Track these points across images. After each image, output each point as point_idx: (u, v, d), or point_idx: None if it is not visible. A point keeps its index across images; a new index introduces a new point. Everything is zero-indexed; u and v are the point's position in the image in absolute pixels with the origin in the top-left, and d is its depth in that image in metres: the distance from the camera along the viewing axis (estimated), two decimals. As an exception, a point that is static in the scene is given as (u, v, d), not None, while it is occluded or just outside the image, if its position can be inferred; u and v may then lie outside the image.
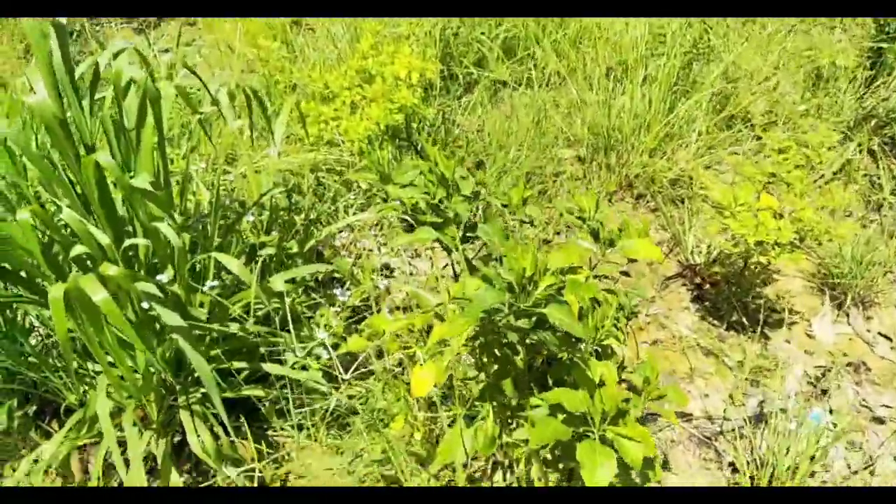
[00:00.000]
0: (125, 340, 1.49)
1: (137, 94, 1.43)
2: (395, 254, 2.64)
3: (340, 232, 2.65)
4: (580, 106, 3.61)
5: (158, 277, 1.39)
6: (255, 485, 1.83)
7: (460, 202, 1.48)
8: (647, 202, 3.22)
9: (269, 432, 1.92)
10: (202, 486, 1.74)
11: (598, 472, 0.97)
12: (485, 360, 1.35)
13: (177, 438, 1.79)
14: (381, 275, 2.60)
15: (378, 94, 2.58)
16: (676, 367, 2.42)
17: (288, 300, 1.69)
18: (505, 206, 1.65)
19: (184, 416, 1.56)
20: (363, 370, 1.76)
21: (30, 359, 1.64)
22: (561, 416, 1.08)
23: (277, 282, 1.70)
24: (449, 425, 1.43)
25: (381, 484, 1.70)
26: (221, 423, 1.65)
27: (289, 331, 1.71)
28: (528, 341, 1.30)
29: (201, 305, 1.70)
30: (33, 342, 1.72)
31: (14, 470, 1.63)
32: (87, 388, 1.64)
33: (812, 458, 1.93)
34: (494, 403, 1.30)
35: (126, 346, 1.53)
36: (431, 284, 2.33)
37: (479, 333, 1.32)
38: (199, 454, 1.59)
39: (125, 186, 1.36)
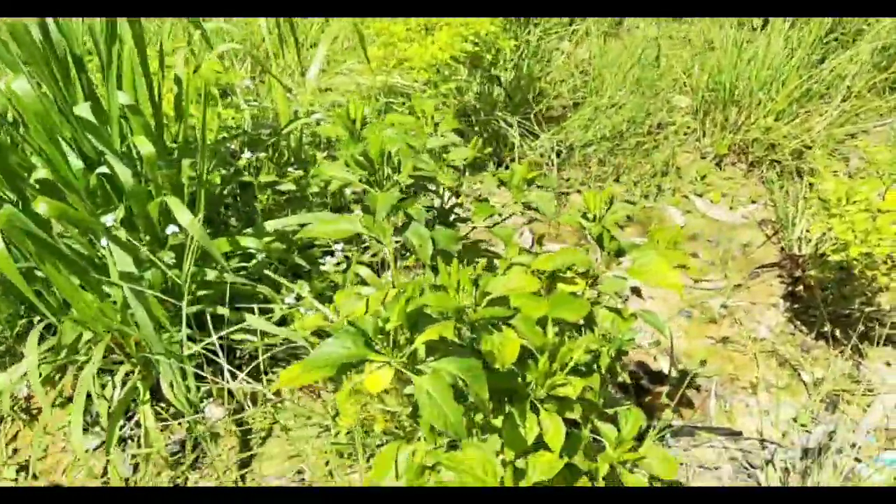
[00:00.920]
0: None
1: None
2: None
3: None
4: (705, 49, 3.11)
5: (104, 218, 1.32)
6: (241, 428, 1.80)
7: (384, 192, 1.17)
8: (762, 172, 2.76)
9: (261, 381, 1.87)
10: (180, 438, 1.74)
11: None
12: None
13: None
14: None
15: (452, 25, 2.31)
16: (741, 373, 2.09)
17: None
18: (502, 183, 1.39)
19: (161, 357, 1.51)
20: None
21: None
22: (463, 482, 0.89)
23: (265, 228, 1.58)
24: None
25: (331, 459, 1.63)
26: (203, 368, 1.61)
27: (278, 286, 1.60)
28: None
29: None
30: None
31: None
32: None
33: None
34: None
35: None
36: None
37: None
38: (170, 398, 1.56)
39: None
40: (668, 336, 2.18)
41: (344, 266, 1.68)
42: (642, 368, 2.09)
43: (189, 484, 1.69)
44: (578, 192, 2.75)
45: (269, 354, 1.82)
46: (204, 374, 1.70)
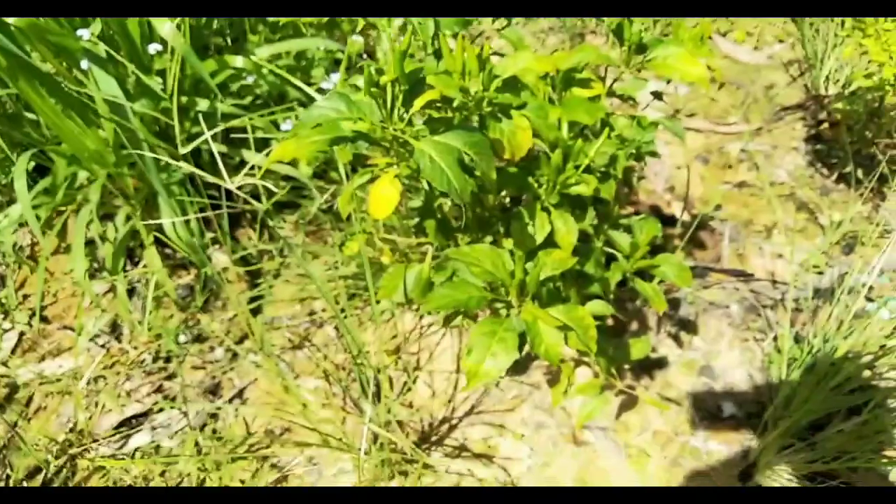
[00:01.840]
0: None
1: None
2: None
3: None
4: None
5: (80, 31, 1.21)
6: (248, 269, 1.79)
7: None
8: (792, 7, 2.57)
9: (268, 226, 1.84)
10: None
11: (484, 365, 0.75)
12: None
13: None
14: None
15: None
16: (756, 217, 2.04)
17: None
18: None
19: (161, 197, 1.46)
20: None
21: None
22: (475, 280, 0.84)
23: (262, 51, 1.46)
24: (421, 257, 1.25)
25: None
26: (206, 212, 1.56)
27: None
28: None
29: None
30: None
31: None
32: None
33: (881, 349, 1.60)
34: (434, 245, 1.08)
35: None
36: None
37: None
38: (174, 239, 1.52)
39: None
40: (685, 163, 2.12)
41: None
42: (655, 212, 2.04)
43: (201, 324, 1.70)
44: (594, 32, 2.58)
45: (273, 200, 1.78)
46: (207, 213, 1.67)
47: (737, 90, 2.39)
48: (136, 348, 1.66)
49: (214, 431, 1.51)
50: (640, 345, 1.25)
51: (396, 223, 1.49)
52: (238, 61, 1.43)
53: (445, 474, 1.44)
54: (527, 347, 0.79)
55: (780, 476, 1.43)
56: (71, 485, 1.41)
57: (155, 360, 1.64)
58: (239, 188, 1.76)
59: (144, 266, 1.70)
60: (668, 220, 2.01)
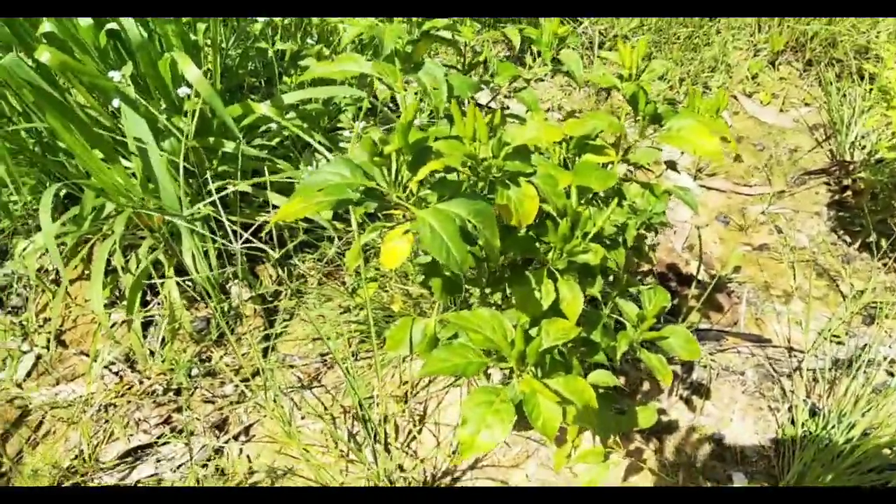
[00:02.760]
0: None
1: None
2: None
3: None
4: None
5: (112, 73, 1.26)
6: (265, 307, 1.81)
7: (393, 24, 1.06)
8: (820, 72, 2.57)
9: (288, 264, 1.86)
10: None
11: (479, 437, 0.75)
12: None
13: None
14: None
15: None
16: (775, 282, 2.02)
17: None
18: (529, 42, 1.27)
19: (184, 231, 1.49)
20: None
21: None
22: (472, 345, 0.85)
23: (285, 98, 1.50)
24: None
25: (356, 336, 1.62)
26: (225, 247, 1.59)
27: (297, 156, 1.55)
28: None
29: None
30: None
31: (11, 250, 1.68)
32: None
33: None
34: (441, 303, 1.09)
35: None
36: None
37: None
38: (193, 273, 1.55)
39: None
40: (698, 225, 2.11)
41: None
42: (673, 271, 2.03)
43: (214, 359, 1.72)
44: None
45: (297, 241, 1.81)
46: (228, 248, 1.70)
47: (760, 151, 2.39)
48: (148, 378, 1.68)
49: (217, 468, 1.52)
50: (646, 413, 1.24)
51: (410, 270, 1.50)
52: (263, 108, 1.48)
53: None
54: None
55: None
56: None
57: (166, 391, 1.66)
58: (260, 228, 1.80)
59: (163, 297, 1.73)
60: (685, 280, 2.00)
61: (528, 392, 0.76)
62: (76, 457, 1.52)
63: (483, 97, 2.31)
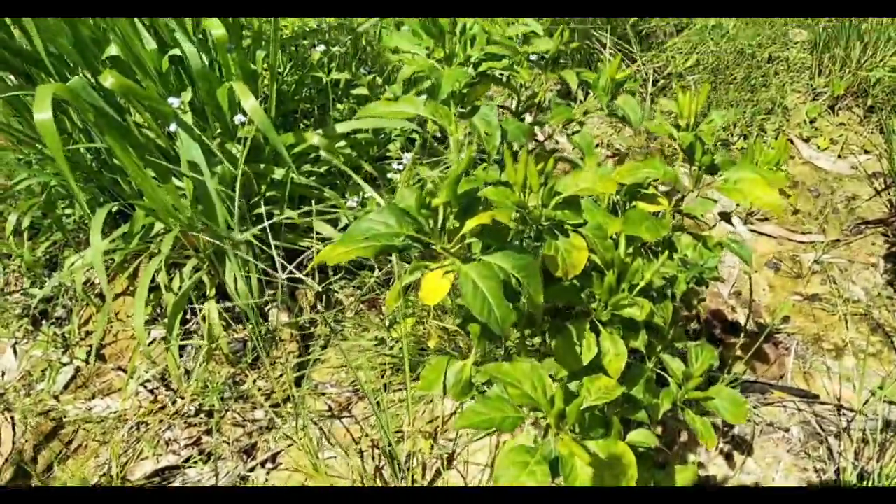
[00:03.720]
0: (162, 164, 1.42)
1: None
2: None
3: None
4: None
5: (171, 100, 1.28)
6: (301, 332, 1.81)
7: (452, 69, 0.99)
8: (882, 119, 2.49)
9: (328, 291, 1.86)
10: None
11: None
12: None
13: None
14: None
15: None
16: (826, 335, 1.93)
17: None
18: (586, 86, 1.24)
19: (228, 254, 1.50)
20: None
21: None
22: (508, 398, 0.81)
23: (337, 128, 1.50)
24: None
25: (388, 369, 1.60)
26: (265, 271, 1.60)
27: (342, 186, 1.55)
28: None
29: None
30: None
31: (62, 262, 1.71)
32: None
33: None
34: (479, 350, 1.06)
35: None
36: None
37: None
38: (231, 293, 1.56)
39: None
40: (750, 273, 2.04)
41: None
42: (718, 318, 1.97)
43: (247, 383, 1.72)
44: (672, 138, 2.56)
45: (338, 276, 1.81)
46: (269, 273, 1.70)
47: (815, 198, 2.31)
48: (182, 398, 1.68)
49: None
50: (685, 473, 1.18)
51: (449, 303, 1.48)
52: (315, 139, 1.48)
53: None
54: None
55: None
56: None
57: (198, 412, 1.66)
58: (301, 252, 1.81)
59: (202, 317, 1.74)
60: (731, 328, 1.93)
61: (566, 454, 0.73)
62: (104, 474, 1.53)
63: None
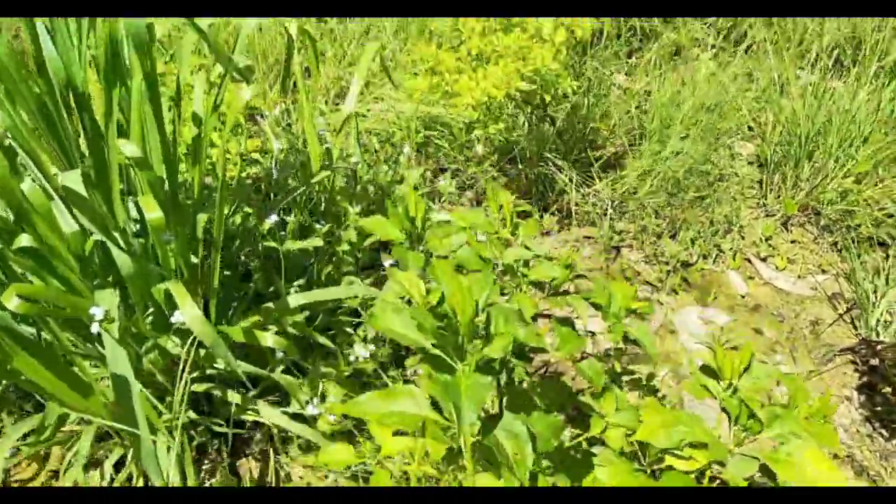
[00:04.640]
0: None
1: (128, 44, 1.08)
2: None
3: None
4: (777, 91, 2.85)
5: (93, 309, 1.08)
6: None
7: (469, 375, 0.78)
8: (836, 238, 2.50)
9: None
10: None
11: None
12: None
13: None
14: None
15: (510, 48, 2.06)
16: (811, 480, 1.83)
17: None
18: (596, 308, 1.14)
19: (158, 454, 1.28)
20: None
21: None
22: None
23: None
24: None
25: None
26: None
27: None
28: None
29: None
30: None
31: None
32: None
33: None
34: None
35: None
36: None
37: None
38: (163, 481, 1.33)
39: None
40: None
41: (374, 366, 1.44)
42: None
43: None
44: (630, 246, 2.50)
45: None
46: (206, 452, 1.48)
47: (780, 323, 2.27)
48: None
49: None
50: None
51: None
52: (269, 341, 1.30)
53: None
54: None
55: None
56: None
57: None
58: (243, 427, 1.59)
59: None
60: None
61: None
62: None
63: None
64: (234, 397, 1.35)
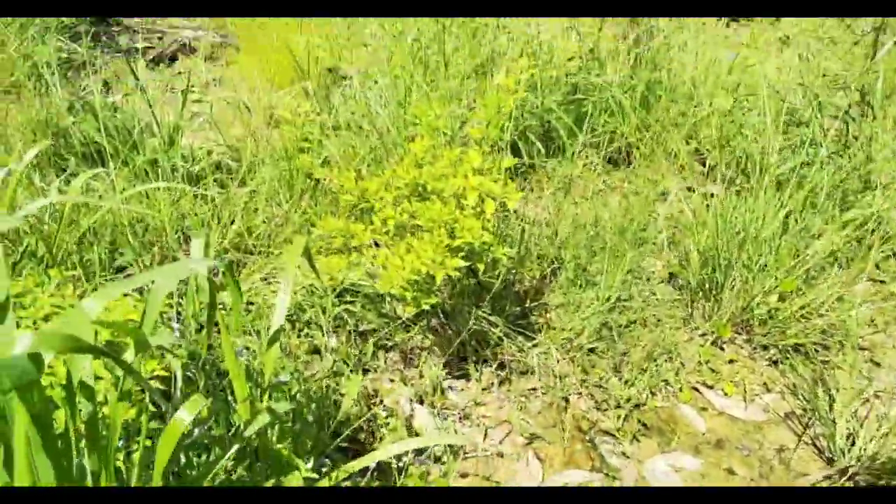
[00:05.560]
0: None
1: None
2: None
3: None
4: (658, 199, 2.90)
5: None
6: None
7: None
8: (770, 353, 2.49)
9: None
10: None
11: None
12: None
13: None
14: None
15: (435, 222, 1.88)
16: None
17: None
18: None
19: None
20: None
21: None
22: None
23: None
24: None
25: None
26: None
27: None
28: None
29: None
30: None
31: None
32: None
33: None
34: None
35: None
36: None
37: None
38: None
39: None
40: None
41: None
42: None
43: None
44: (579, 394, 2.33)
45: None
46: None
47: (747, 456, 2.17)
48: None
49: None
50: None
51: None
52: None
53: None
54: None
55: None
56: None
57: None
58: None
59: None
60: None
61: None
62: None
63: None
64: None
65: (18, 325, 1.47)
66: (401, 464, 1.93)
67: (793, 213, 2.46)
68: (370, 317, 2.36)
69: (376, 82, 3.24)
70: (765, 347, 2.48)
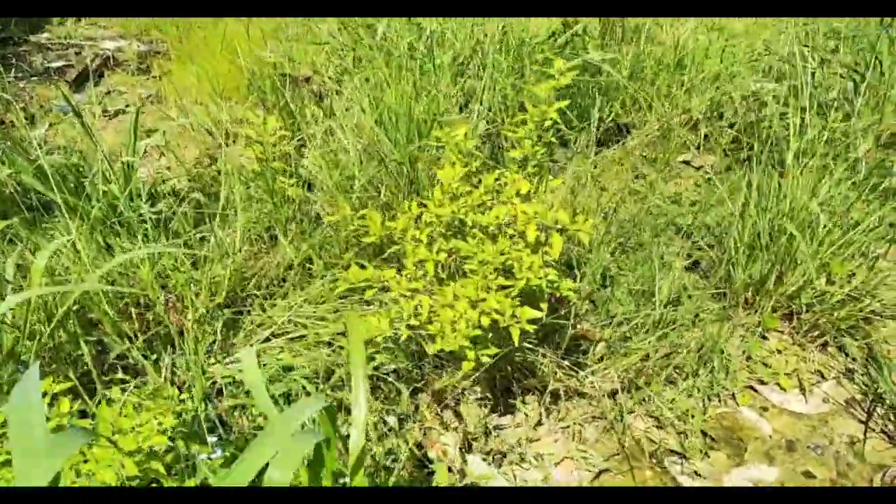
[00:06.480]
0: None
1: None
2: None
3: None
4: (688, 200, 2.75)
5: None
6: None
7: None
8: (815, 337, 2.38)
9: None
10: None
11: None
12: None
13: None
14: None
15: (488, 263, 1.65)
16: None
17: None
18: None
19: None
20: None
21: None
22: None
23: None
24: None
25: None
26: None
27: None
28: None
29: None
30: None
31: None
32: None
33: None
34: None
35: None
36: None
37: None
38: None
39: None
40: None
41: None
42: None
43: None
44: (632, 411, 2.18)
45: None
46: None
47: (822, 454, 2.07)
48: None
49: None
50: None
51: None
52: None
53: None
54: None
55: None
56: None
57: None
58: None
59: None
60: None
61: None
62: None
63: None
64: None
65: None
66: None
67: (831, 189, 2.33)
68: (400, 358, 2.13)
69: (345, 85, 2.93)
70: (809, 332, 2.38)
